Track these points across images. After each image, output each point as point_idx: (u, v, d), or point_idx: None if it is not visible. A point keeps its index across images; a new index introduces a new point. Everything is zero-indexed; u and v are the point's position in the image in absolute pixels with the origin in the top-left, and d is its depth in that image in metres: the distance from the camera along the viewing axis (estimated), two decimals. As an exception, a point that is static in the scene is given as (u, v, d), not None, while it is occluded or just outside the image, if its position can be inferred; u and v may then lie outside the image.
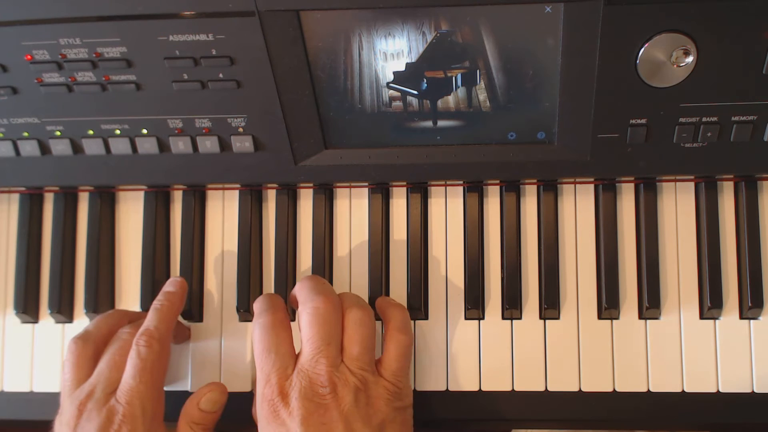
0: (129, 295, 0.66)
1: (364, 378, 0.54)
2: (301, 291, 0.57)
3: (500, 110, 0.57)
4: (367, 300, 0.62)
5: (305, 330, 0.54)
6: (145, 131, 0.59)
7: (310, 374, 0.53)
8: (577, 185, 0.63)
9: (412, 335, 0.59)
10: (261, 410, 0.53)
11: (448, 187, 0.64)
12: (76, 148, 0.60)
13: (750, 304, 0.60)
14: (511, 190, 0.63)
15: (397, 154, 0.60)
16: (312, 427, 0.51)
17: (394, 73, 0.56)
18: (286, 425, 0.51)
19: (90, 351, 0.57)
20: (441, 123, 0.58)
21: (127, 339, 0.57)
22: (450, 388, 0.62)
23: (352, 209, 0.65)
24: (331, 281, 0.64)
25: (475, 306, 0.62)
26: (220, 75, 0.55)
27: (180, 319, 0.63)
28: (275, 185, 0.65)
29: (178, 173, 0.61)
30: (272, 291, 0.64)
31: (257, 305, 0.58)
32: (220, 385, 0.59)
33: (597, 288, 0.62)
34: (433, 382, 0.62)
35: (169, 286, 0.61)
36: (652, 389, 0.60)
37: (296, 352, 0.55)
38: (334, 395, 0.52)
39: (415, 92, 0.57)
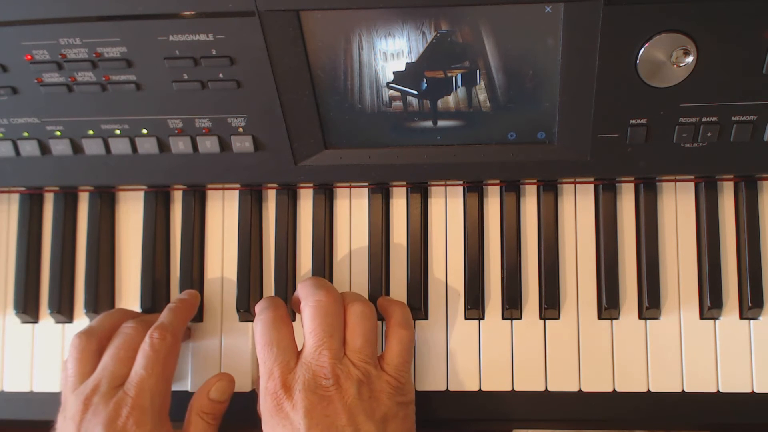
0: (129, 295, 0.66)
1: (366, 371, 0.54)
2: (302, 289, 0.57)
3: (500, 110, 0.57)
4: (367, 298, 0.62)
5: (308, 323, 0.55)
6: (145, 131, 0.59)
7: (313, 367, 0.53)
8: (577, 185, 0.63)
9: (414, 330, 0.60)
10: (264, 404, 0.53)
11: (448, 187, 0.64)
12: (76, 148, 0.60)
13: (750, 304, 0.60)
14: (511, 190, 0.63)
15: (397, 154, 0.60)
16: (315, 419, 0.51)
17: (394, 73, 0.56)
18: (289, 418, 0.52)
19: (94, 346, 0.57)
20: (441, 123, 0.58)
21: (130, 333, 0.57)
22: (450, 388, 0.62)
23: (352, 209, 0.65)
24: (331, 281, 0.64)
25: (475, 306, 0.62)
26: (220, 75, 0.55)
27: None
28: (275, 185, 0.65)
29: (178, 173, 0.61)
30: (272, 291, 0.64)
31: (258, 305, 0.58)
32: (228, 374, 0.59)
33: (597, 288, 0.62)
34: (433, 381, 0.62)
35: (183, 294, 0.62)
36: (652, 389, 0.60)
37: (298, 349, 0.55)
38: (337, 387, 0.52)
39: (415, 92, 0.57)
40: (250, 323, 0.64)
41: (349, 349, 0.54)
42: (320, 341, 0.53)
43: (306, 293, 0.56)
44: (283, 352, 0.54)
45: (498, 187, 0.63)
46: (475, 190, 0.63)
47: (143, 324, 0.58)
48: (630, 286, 0.62)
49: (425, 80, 0.56)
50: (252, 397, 0.61)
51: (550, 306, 0.61)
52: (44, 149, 0.60)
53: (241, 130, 0.58)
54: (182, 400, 0.59)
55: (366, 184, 0.64)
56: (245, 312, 0.63)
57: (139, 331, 0.57)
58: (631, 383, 0.61)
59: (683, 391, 0.60)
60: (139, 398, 0.53)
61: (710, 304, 0.60)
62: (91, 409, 0.53)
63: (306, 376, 0.52)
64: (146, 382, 0.54)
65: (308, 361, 0.53)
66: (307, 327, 0.55)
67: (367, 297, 0.63)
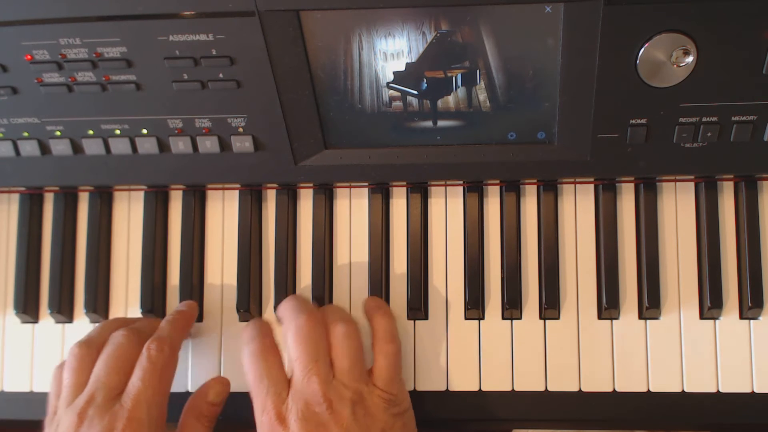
0: (129, 295, 0.66)
1: (358, 390, 0.53)
2: (283, 311, 0.57)
3: (500, 110, 0.57)
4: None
5: (292, 350, 0.54)
6: (145, 131, 0.59)
7: (305, 395, 0.52)
8: (577, 185, 0.63)
9: (400, 342, 0.59)
10: None
11: (448, 187, 0.64)
12: (76, 148, 0.60)
13: (750, 304, 0.60)
14: (511, 190, 0.63)
15: (397, 154, 0.60)
16: None
17: (394, 73, 0.56)
18: None
19: (93, 356, 0.56)
20: (441, 123, 0.58)
21: (122, 342, 0.56)
22: (450, 388, 0.62)
23: (352, 209, 0.65)
24: (330, 282, 0.64)
25: (475, 306, 0.62)
26: (220, 75, 0.55)
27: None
28: (275, 185, 0.65)
29: (178, 173, 0.61)
30: (272, 291, 0.64)
31: (245, 333, 0.57)
32: (225, 378, 0.59)
33: (597, 288, 0.62)
34: (433, 382, 0.62)
35: (181, 305, 0.62)
36: (652, 389, 0.60)
37: (288, 376, 0.55)
38: (331, 411, 0.52)
39: (415, 92, 0.57)
40: (250, 323, 0.64)
41: (338, 371, 0.54)
42: (307, 368, 0.53)
43: (287, 317, 0.56)
44: (274, 383, 0.54)
45: (498, 187, 0.63)
46: (475, 190, 0.63)
47: (136, 333, 0.57)
48: (630, 286, 0.62)
49: (425, 80, 0.56)
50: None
51: (550, 306, 0.61)
52: (44, 149, 0.60)
53: (241, 130, 0.58)
54: (182, 400, 0.59)
55: (366, 184, 0.64)
56: (245, 312, 0.63)
57: (131, 339, 0.56)
58: (631, 383, 0.61)
59: (683, 391, 0.60)
60: (135, 411, 0.52)
61: (710, 304, 0.60)
62: (86, 422, 0.52)
63: (299, 406, 0.52)
64: (143, 394, 0.53)
65: (299, 389, 0.53)
66: (292, 354, 0.54)
67: (367, 297, 0.63)
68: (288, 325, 0.55)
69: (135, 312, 0.65)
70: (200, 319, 0.64)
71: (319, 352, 0.54)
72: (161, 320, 0.60)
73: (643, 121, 0.55)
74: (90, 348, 0.56)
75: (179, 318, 0.60)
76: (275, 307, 0.63)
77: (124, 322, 0.61)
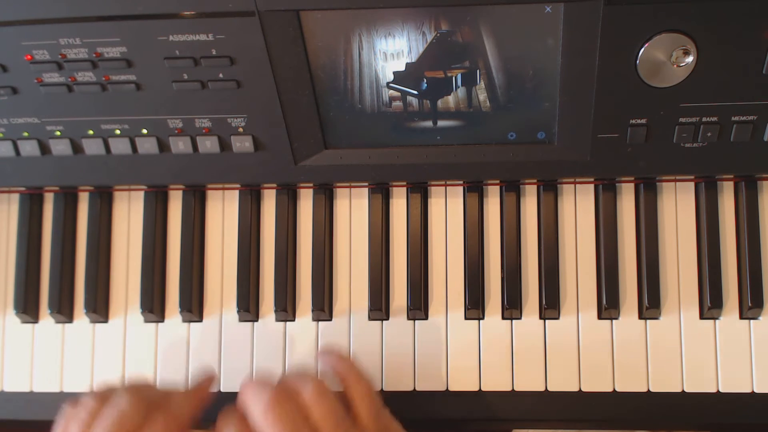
0: (129, 295, 0.66)
1: None
2: (245, 398, 0.54)
3: (500, 110, 0.57)
4: (367, 298, 0.63)
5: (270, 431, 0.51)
6: (145, 131, 0.59)
7: None
8: (577, 185, 0.63)
9: (368, 378, 0.57)
10: None
11: (448, 187, 0.64)
12: (76, 148, 0.60)
13: (750, 304, 0.60)
14: (511, 190, 0.63)
15: (397, 154, 0.60)
16: None
17: (394, 73, 0.56)
18: None
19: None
20: (441, 123, 0.58)
21: (124, 409, 0.52)
22: (450, 388, 0.62)
23: (352, 209, 0.65)
24: (331, 281, 0.64)
25: (475, 306, 0.62)
26: (220, 75, 0.55)
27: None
28: (275, 185, 0.65)
29: (178, 173, 0.61)
30: (272, 291, 0.64)
31: (219, 425, 0.53)
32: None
33: (597, 288, 0.62)
34: (433, 382, 0.62)
35: (201, 378, 0.60)
36: (652, 389, 0.60)
37: None
38: None
39: (415, 92, 0.57)
40: (249, 323, 0.64)
41: (324, 429, 0.51)
42: None
43: (250, 402, 0.52)
44: None
45: (498, 187, 0.63)
46: (475, 190, 0.63)
47: (142, 401, 0.53)
48: (630, 286, 0.62)
49: (425, 80, 0.56)
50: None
51: (550, 306, 0.61)
52: (44, 149, 0.60)
53: (241, 130, 0.58)
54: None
55: (366, 184, 0.64)
56: (245, 312, 0.63)
57: (135, 406, 0.52)
58: (631, 383, 0.61)
59: (683, 391, 0.60)
60: None
61: (710, 304, 0.60)
62: None
63: None
64: None
65: None
66: None
67: (366, 298, 0.63)
68: (254, 408, 0.52)
69: (135, 311, 0.65)
70: (200, 319, 0.64)
71: (297, 422, 0.51)
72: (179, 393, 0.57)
73: (643, 121, 0.55)
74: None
75: (197, 395, 0.57)
76: (275, 308, 0.63)
77: (148, 390, 0.57)
